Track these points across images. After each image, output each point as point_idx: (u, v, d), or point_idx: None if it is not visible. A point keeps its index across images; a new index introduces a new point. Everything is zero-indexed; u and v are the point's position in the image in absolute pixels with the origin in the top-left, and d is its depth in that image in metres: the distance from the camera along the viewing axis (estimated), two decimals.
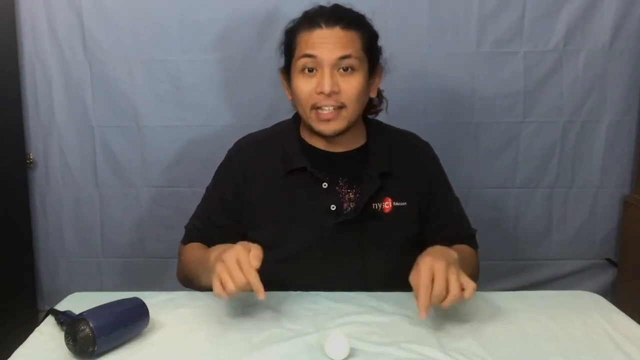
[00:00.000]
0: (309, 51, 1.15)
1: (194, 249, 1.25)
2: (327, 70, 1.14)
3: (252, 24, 2.00)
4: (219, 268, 0.99)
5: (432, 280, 0.97)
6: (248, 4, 1.99)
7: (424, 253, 1.05)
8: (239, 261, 0.98)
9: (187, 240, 1.31)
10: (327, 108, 1.16)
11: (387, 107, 1.32)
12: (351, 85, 1.16)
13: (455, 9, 1.99)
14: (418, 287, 0.97)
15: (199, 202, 1.34)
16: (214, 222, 1.28)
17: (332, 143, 1.24)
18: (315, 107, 1.17)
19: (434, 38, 2.01)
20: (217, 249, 1.07)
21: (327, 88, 1.13)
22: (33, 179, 2.15)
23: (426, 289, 0.96)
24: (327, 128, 1.18)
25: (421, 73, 2.02)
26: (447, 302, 0.97)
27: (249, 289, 0.98)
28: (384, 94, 1.32)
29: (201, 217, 1.31)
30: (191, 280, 1.21)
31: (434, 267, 0.98)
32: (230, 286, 0.96)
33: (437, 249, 1.08)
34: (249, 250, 1.00)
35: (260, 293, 0.97)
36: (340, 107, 1.16)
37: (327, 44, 1.14)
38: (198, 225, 1.30)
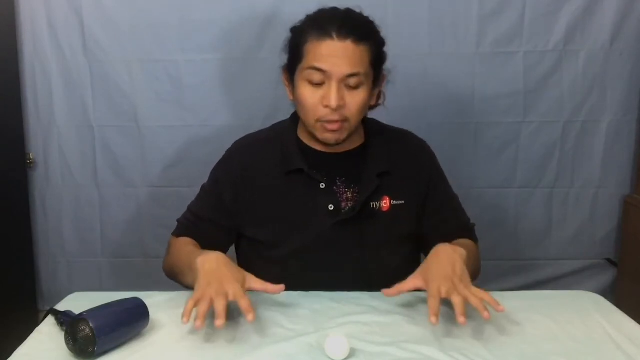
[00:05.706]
0: (317, 64, 1.13)
1: (185, 245, 1.25)
2: (334, 85, 1.13)
3: (252, 23, 1.99)
4: (208, 293, 0.98)
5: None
6: (248, 3, 1.99)
7: (431, 258, 1.08)
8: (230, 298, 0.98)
9: (178, 232, 1.31)
10: (332, 121, 1.16)
11: (384, 101, 1.29)
12: (356, 101, 1.15)
13: (455, 9, 1.99)
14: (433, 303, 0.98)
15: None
16: (209, 219, 1.28)
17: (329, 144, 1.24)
18: (321, 120, 1.17)
19: (434, 38, 2.01)
20: (206, 257, 1.07)
21: (334, 103, 1.13)
22: (33, 179, 2.15)
23: (438, 298, 0.98)
24: (331, 137, 1.19)
25: (421, 73, 2.02)
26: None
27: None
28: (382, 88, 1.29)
29: (196, 213, 1.31)
30: (177, 275, 1.22)
31: (441, 288, 0.99)
32: (219, 322, 0.94)
33: (444, 251, 1.09)
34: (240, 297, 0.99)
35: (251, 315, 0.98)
36: (344, 120, 1.16)
37: (337, 58, 1.12)
38: (192, 220, 1.30)
